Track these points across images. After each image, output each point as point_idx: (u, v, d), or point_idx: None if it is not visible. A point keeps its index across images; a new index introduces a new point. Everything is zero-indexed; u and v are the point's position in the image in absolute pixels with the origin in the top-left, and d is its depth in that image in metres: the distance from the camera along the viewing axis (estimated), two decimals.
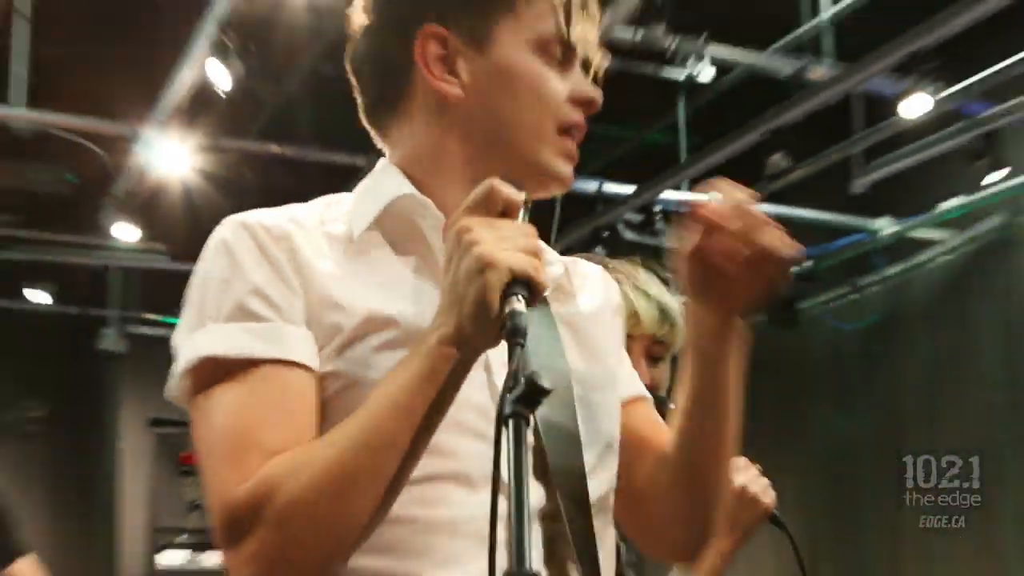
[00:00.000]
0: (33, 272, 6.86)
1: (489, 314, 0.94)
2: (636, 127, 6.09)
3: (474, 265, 0.95)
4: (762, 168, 4.78)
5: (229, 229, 1.08)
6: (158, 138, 4.94)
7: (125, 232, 5.85)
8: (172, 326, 1.12)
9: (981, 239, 5.49)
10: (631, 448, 1.20)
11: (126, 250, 6.26)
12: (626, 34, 4.15)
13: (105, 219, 5.81)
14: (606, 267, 1.45)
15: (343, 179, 4.30)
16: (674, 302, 1.77)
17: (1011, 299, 5.37)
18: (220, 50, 4.25)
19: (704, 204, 1.09)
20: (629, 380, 1.26)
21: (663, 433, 1.21)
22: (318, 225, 1.10)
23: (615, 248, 5.14)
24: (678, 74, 4.92)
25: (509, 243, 0.96)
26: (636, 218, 5.42)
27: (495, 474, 0.84)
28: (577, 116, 1.13)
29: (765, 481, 1.75)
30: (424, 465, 1.01)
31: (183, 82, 4.49)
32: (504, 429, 0.83)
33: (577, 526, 1.04)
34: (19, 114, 4.71)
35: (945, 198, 5.28)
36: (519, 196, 1.00)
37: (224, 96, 4.45)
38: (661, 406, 1.58)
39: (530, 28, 1.12)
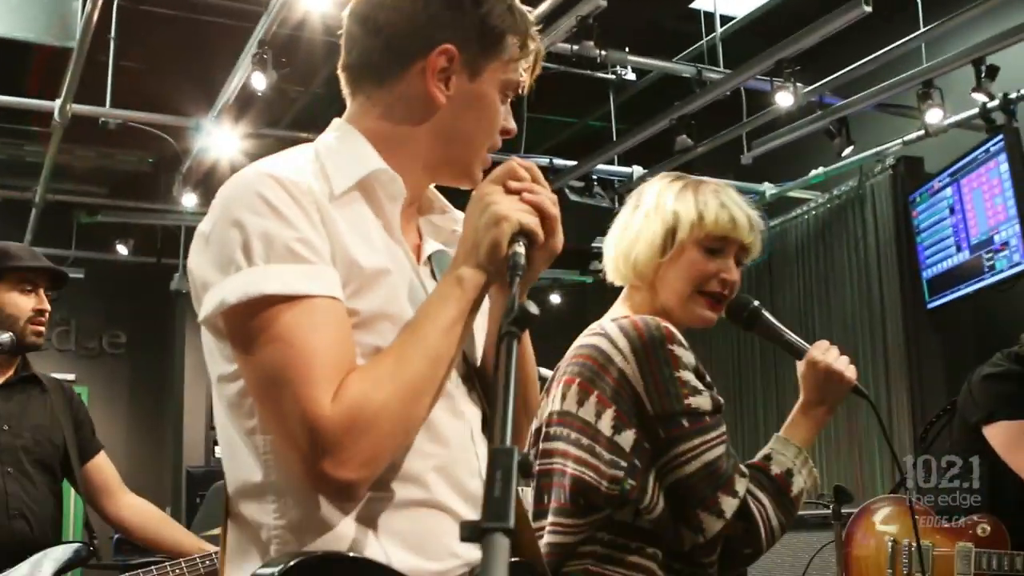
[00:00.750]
0: (120, 231, 7.36)
1: (499, 254, 1.04)
2: (578, 116, 6.72)
3: (492, 219, 1.05)
4: (672, 146, 5.13)
5: (261, 182, 1.06)
6: (213, 128, 5.32)
7: (189, 200, 6.22)
8: None
9: (839, 198, 6.04)
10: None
11: (190, 213, 6.41)
12: (566, 47, 4.45)
13: (174, 190, 6.19)
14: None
15: None
16: (757, 217, 1.72)
17: (863, 243, 5.83)
18: (259, 61, 4.46)
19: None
20: None
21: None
22: (313, 180, 1.10)
23: (562, 207, 5.65)
24: (609, 76, 5.35)
25: (517, 205, 1.06)
26: (578, 184, 5.78)
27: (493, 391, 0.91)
28: (499, 143, 1.22)
29: (846, 359, 1.69)
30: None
31: (232, 85, 4.82)
32: (501, 345, 0.86)
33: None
34: (109, 111, 5.10)
35: (811, 167, 5.80)
36: (536, 170, 1.10)
37: (261, 95, 4.64)
38: (755, 312, 1.74)
39: (504, 74, 1.19)
